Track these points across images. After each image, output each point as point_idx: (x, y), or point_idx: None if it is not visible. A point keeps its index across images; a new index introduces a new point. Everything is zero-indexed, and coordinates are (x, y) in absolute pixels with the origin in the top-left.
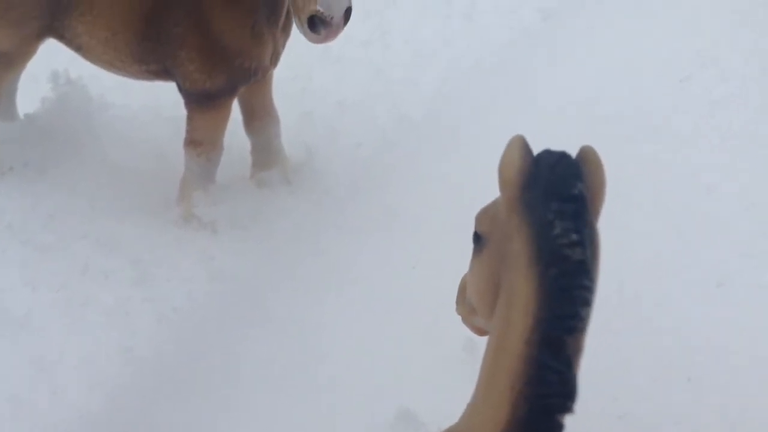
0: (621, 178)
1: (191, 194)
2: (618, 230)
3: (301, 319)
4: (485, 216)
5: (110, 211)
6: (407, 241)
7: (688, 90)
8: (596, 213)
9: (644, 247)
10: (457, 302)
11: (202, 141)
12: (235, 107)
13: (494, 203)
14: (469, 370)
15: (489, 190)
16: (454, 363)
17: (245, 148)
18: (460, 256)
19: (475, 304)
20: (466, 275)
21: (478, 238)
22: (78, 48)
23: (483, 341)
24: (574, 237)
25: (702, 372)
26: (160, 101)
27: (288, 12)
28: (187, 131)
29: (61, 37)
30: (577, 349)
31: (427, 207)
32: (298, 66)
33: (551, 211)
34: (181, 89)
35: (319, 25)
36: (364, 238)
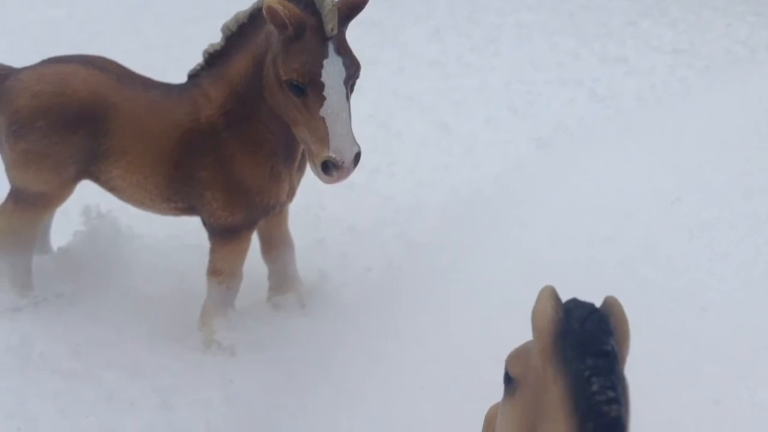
0: (621, 299)
1: (212, 320)
2: None
3: None
4: (518, 359)
5: (135, 338)
6: (416, 362)
7: (677, 212)
8: (623, 360)
9: (642, 368)
10: None
11: (223, 270)
12: (254, 236)
13: (526, 348)
14: None
15: (491, 313)
16: None
17: (262, 273)
18: (466, 377)
19: None
20: (492, 408)
21: (509, 379)
22: (111, 189)
23: None
24: (611, 394)
25: None
26: (184, 229)
27: (303, 152)
28: (210, 261)
29: (96, 179)
30: None
31: (433, 329)
32: (312, 195)
33: (587, 367)
34: (205, 224)
35: (332, 169)
36: (374, 360)
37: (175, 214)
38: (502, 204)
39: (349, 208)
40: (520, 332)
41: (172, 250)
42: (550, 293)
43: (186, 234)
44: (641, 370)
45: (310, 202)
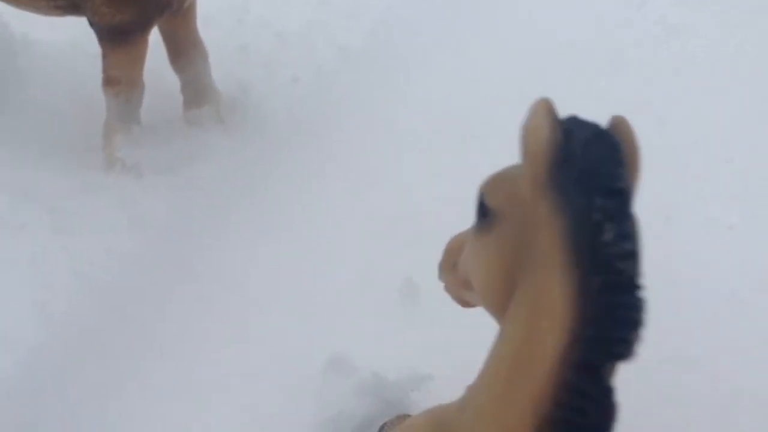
0: (571, 111)
1: (114, 137)
2: None
3: (230, 268)
4: (500, 187)
5: (30, 157)
6: (346, 181)
7: (643, 17)
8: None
9: None
10: (442, 268)
11: (119, 79)
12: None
13: (511, 174)
14: (405, 312)
15: (434, 130)
16: (390, 306)
17: (176, 85)
18: (401, 197)
19: (478, 290)
20: (456, 238)
21: (485, 211)
22: None
23: (423, 283)
24: (629, 247)
25: (649, 309)
26: (88, 37)
27: None
28: (103, 70)
29: None
30: (614, 372)
31: (367, 146)
32: None
33: (596, 208)
34: (92, 25)
35: None
36: (300, 180)
37: (57, 14)
38: (453, 7)
39: (276, 12)
40: (460, 149)
41: (74, 59)
42: (547, 108)
43: (90, 42)
44: None
45: (232, 4)
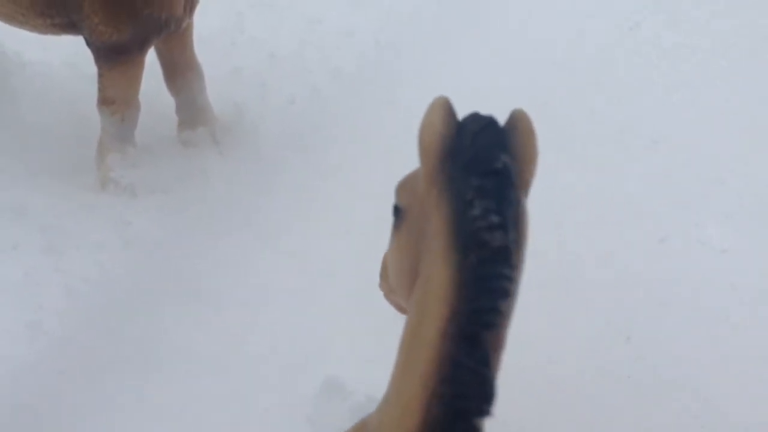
0: (564, 130)
1: (108, 157)
2: (559, 185)
3: (223, 288)
4: (405, 187)
5: (24, 176)
6: (341, 204)
7: (636, 38)
8: (526, 186)
9: (586, 202)
10: (381, 277)
11: (114, 99)
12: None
13: (415, 173)
14: (400, 333)
15: None
16: (385, 332)
17: (171, 106)
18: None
19: (393, 284)
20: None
21: (397, 211)
22: None
23: None
24: (495, 219)
25: (642, 331)
26: (82, 56)
27: None
28: (99, 89)
29: None
30: (498, 346)
31: (363, 167)
32: (229, 16)
33: (471, 187)
34: (89, 44)
35: None
36: (295, 202)
37: (54, 33)
38: (444, 25)
39: (270, 32)
40: None
41: (68, 79)
42: (442, 104)
43: (84, 62)
44: (585, 204)
45: (226, 25)
